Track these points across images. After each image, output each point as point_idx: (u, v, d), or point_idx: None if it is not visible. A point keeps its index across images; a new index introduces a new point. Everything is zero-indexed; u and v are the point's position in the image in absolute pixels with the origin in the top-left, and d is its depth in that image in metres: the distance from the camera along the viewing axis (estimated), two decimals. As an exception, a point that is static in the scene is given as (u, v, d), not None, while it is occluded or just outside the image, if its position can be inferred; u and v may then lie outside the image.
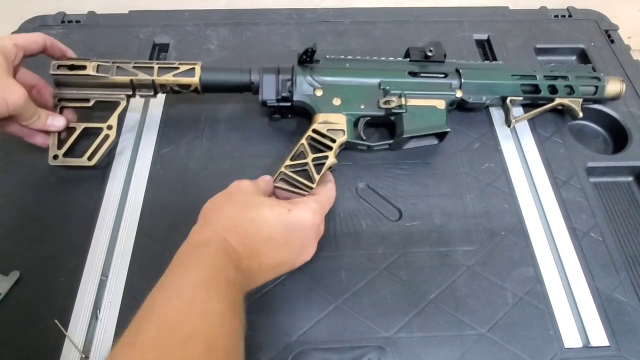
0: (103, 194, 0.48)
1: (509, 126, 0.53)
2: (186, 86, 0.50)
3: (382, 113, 0.50)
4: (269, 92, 0.50)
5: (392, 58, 0.53)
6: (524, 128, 0.55)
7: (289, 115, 0.55)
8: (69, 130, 0.49)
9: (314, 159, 0.46)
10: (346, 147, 0.50)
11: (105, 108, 0.50)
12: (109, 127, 0.49)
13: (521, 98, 0.54)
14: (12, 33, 0.62)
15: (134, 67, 0.49)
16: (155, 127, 0.54)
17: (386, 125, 0.54)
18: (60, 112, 0.49)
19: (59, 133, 0.49)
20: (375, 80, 0.51)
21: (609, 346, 0.40)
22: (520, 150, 0.53)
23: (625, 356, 0.40)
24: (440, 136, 0.52)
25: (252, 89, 0.51)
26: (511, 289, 0.43)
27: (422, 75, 0.52)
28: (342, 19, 0.67)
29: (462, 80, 0.52)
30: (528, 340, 0.40)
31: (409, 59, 0.53)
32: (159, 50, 0.64)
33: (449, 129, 0.50)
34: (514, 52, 0.63)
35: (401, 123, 0.50)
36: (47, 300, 0.42)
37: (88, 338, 0.40)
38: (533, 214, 0.48)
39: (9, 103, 0.42)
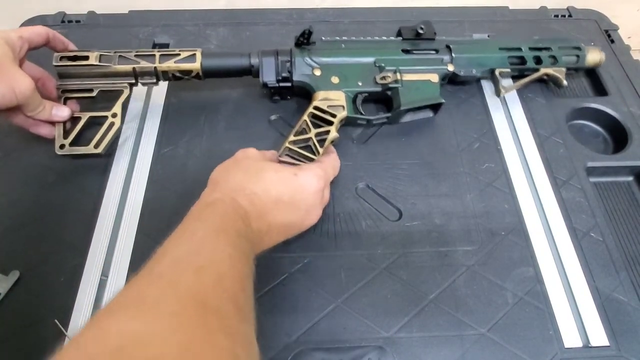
0: (103, 193, 0.48)
1: (498, 96, 0.57)
2: (188, 72, 0.51)
3: (379, 88, 0.53)
4: (269, 74, 0.52)
5: (385, 37, 0.56)
6: (524, 128, 0.55)
7: (288, 97, 0.56)
8: (74, 120, 0.51)
9: (316, 134, 0.48)
10: (346, 122, 0.52)
11: (108, 98, 0.51)
12: (114, 115, 0.50)
13: (509, 70, 0.57)
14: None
15: (135, 55, 0.50)
16: (157, 116, 0.55)
17: (383, 101, 0.56)
18: (64, 104, 0.50)
19: (65, 123, 0.50)
20: (370, 59, 0.54)
21: (609, 346, 0.40)
22: (520, 150, 0.53)
23: (625, 356, 0.40)
24: (435, 108, 0.55)
25: (252, 72, 0.53)
26: (511, 289, 0.43)
27: (414, 52, 0.55)
28: (342, 18, 0.67)
29: (453, 55, 0.55)
30: (528, 340, 0.40)
31: (401, 37, 0.56)
32: (159, 50, 0.64)
33: (443, 100, 0.53)
34: (514, 52, 0.63)
35: (398, 97, 0.52)
36: (47, 300, 0.42)
37: (88, 338, 0.40)
38: (533, 214, 0.48)
39: (17, 92, 0.43)
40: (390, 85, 0.52)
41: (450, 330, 0.41)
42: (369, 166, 0.51)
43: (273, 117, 0.56)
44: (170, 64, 0.50)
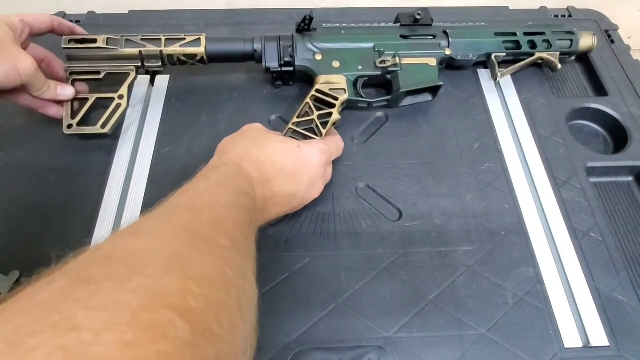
0: (103, 194, 0.48)
1: (495, 79, 0.59)
2: (192, 56, 0.52)
3: (378, 72, 0.54)
4: (271, 59, 0.54)
5: (383, 24, 0.58)
6: (524, 128, 0.55)
7: (290, 83, 0.58)
8: (82, 101, 0.52)
9: (319, 116, 0.49)
10: (348, 106, 0.54)
11: (114, 82, 0.52)
12: (120, 97, 0.52)
13: (504, 54, 0.58)
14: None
15: (142, 39, 0.51)
16: (158, 117, 0.55)
17: (383, 85, 0.57)
18: (73, 85, 0.51)
19: (72, 104, 0.51)
20: (370, 44, 0.55)
21: (609, 346, 0.40)
22: (520, 150, 0.53)
23: (625, 356, 0.40)
24: (434, 92, 0.56)
25: (255, 57, 0.54)
26: (511, 289, 0.43)
27: (412, 37, 0.57)
28: (342, 19, 0.67)
29: (450, 40, 0.57)
30: (528, 340, 0.40)
31: (399, 24, 0.57)
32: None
33: (441, 83, 0.54)
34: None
35: (397, 80, 0.54)
36: (47, 300, 0.42)
37: (88, 338, 0.40)
38: (533, 214, 0.48)
39: (20, 71, 0.44)
40: (390, 69, 0.53)
41: (450, 330, 0.41)
42: (369, 166, 0.51)
43: (273, 117, 0.56)
44: (175, 48, 0.51)
